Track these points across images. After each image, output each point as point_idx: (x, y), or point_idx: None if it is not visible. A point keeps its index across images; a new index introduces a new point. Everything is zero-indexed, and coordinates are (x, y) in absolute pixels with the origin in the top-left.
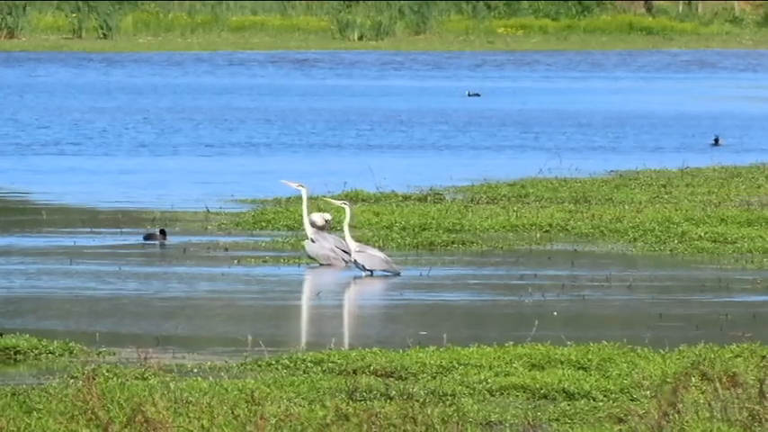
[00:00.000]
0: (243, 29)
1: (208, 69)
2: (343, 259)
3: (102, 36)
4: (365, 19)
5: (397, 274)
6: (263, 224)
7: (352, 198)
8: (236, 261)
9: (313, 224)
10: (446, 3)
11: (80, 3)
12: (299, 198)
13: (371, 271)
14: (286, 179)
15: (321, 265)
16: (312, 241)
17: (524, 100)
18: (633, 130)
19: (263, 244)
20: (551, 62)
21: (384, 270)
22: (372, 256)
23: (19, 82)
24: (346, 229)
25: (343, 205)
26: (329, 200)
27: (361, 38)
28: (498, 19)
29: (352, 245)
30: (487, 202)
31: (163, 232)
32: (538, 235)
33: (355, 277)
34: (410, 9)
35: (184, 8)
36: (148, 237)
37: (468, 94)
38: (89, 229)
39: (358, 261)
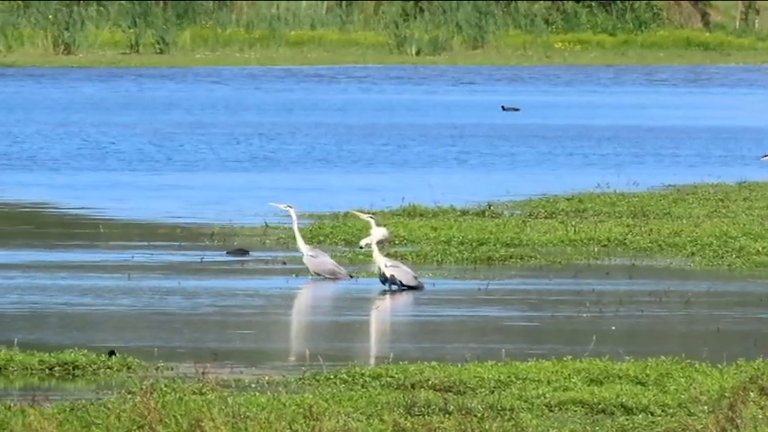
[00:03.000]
0: (301, 44)
1: (264, 84)
2: (346, 273)
3: (159, 51)
4: (423, 33)
5: (422, 288)
6: (321, 238)
7: (410, 213)
8: (294, 275)
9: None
10: (504, 17)
11: (137, 18)
12: (355, 213)
13: (405, 286)
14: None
15: (321, 278)
16: (312, 257)
17: (578, 114)
18: (690, 145)
19: None
20: (607, 77)
21: (414, 286)
22: (407, 272)
23: (77, 97)
24: (374, 243)
25: (370, 219)
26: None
27: (418, 52)
28: (556, 34)
29: (382, 260)
30: (545, 217)
31: (241, 250)
32: (596, 249)
33: (410, 292)
34: (468, 24)
35: (242, 23)
36: (232, 252)
37: (504, 109)
38: (147, 244)
39: (396, 276)
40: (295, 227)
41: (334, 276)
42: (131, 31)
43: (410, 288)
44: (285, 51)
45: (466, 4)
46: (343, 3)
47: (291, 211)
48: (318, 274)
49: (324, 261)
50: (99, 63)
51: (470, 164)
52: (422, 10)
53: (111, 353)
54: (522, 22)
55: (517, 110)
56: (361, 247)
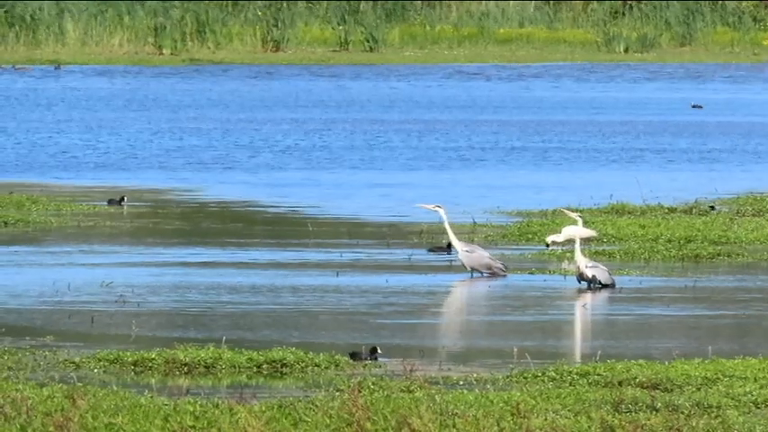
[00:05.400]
0: (509, 41)
1: (475, 81)
2: (503, 267)
3: (368, 49)
4: (631, 31)
5: (615, 286)
6: (530, 236)
7: (618, 210)
8: (507, 270)
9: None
10: (712, 15)
11: (346, 15)
12: (563, 210)
13: (602, 285)
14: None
15: (472, 274)
16: (468, 252)
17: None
18: None
19: (530, 256)
20: None
21: (610, 284)
22: (603, 271)
23: (280, 95)
24: (577, 243)
25: (578, 218)
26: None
27: (626, 50)
28: (764, 31)
29: (583, 261)
30: (753, 215)
31: (436, 247)
32: None
33: (606, 290)
34: (677, 21)
35: (451, 21)
36: (433, 249)
37: (693, 106)
38: (355, 242)
39: (597, 276)
40: (446, 225)
41: (490, 271)
42: (341, 28)
43: (606, 286)
44: (494, 49)
45: (675, 3)
46: (551, 1)
47: (441, 211)
48: (475, 270)
49: (480, 255)
50: (308, 60)
51: (678, 161)
52: (631, 8)
53: (374, 350)
54: (729, 20)
55: (701, 107)
56: (547, 245)
